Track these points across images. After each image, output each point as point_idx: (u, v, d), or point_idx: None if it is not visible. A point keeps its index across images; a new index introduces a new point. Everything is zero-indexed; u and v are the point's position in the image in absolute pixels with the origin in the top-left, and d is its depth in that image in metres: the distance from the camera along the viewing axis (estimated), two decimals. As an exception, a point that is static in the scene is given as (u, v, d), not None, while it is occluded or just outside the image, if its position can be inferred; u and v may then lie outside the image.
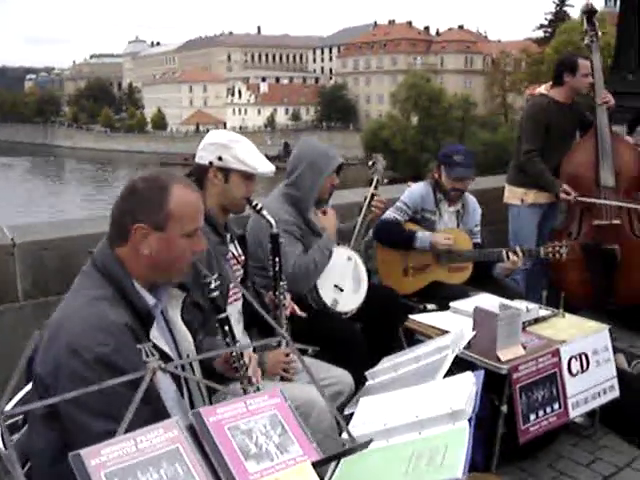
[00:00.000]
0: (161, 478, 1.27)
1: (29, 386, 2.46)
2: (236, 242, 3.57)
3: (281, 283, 3.51)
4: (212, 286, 2.44)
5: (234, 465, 1.34)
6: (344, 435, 1.77)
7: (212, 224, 3.30)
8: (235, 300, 3.45)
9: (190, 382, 2.42)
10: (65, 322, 2.14)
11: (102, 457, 1.25)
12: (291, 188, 4.17)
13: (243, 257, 3.59)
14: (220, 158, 3.28)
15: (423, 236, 4.85)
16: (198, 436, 1.35)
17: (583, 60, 5.70)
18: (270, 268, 3.51)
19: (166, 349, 2.36)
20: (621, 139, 6.00)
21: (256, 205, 3.50)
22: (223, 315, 2.50)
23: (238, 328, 3.18)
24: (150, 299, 2.32)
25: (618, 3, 13.13)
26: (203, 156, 3.33)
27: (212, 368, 2.71)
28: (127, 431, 1.31)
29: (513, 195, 5.99)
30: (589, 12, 6.02)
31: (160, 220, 2.26)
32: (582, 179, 5.67)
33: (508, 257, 4.80)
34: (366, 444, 1.56)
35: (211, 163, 3.30)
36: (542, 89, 5.96)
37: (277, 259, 3.48)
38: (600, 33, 5.88)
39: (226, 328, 2.51)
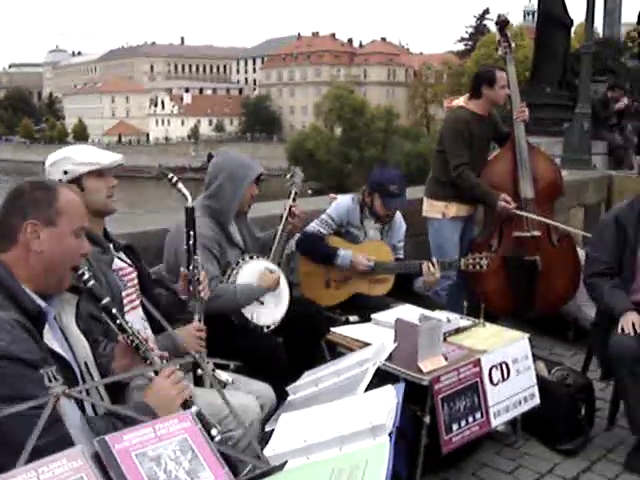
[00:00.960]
0: (64, 510, 1.20)
1: None
2: (122, 253, 3.49)
3: (195, 257, 3.43)
4: (86, 276, 2.40)
5: (142, 494, 1.29)
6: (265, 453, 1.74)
7: (88, 236, 3.23)
8: (133, 308, 3.36)
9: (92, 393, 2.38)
10: None
11: (0, 490, 1.18)
12: (211, 200, 4.11)
13: (134, 267, 3.50)
14: (65, 172, 3.23)
15: (345, 255, 4.81)
16: (104, 465, 1.30)
17: (500, 72, 5.72)
18: (184, 241, 3.43)
19: (63, 354, 2.33)
20: (537, 150, 6.11)
21: (172, 178, 3.49)
22: (105, 301, 2.44)
23: (147, 333, 3.07)
24: (41, 302, 2.30)
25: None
26: (50, 178, 3.27)
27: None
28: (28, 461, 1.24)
29: (433, 209, 5.93)
30: (501, 23, 6.09)
31: (51, 215, 2.31)
32: (502, 191, 5.69)
33: (421, 270, 4.82)
34: (281, 467, 1.53)
35: (60, 181, 3.22)
36: (460, 102, 5.95)
37: (192, 232, 3.40)
38: (514, 44, 5.96)
39: (114, 311, 2.45)
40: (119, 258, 3.39)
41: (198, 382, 3.20)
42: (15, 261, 2.28)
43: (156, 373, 2.41)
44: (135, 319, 3.25)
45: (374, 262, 4.84)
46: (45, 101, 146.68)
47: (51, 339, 2.31)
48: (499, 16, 6.16)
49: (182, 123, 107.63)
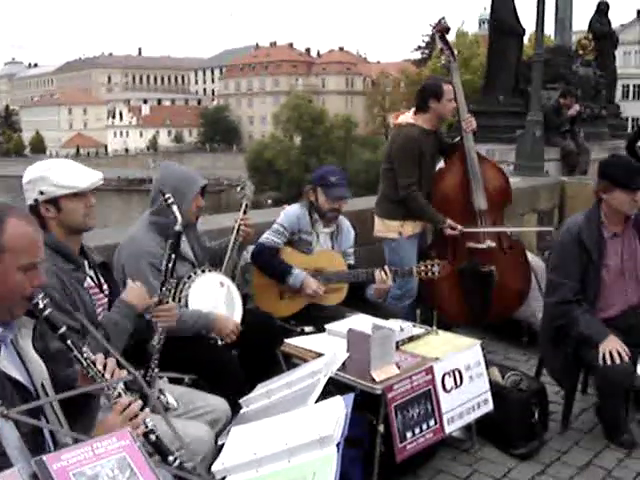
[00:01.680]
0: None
1: None
2: (97, 269, 3.47)
3: (171, 280, 3.47)
4: (41, 306, 2.35)
5: (77, 513, 1.30)
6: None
7: (61, 253, 3.22)
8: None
9: (48, 412, 2.35)
10: None
11: None
12: (157, 216, 4.09)
13: (106, 285, 3.49)
14: (42, 192, 3.18)
15: (297, 275, 4.81)
16: (41, 485, 1.30)
17: (447, 85, 5.65)
18: (164, 261, 3.46)
19: (18, 377, 2.29)
20: (485, 160, 6.11)
21: (168, 199, 3.60)
22: (61, 331, 2.41)
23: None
24: None
25: (489, 27, 13.71)
26: (27, 198, 3.24)
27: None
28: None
29: (388, 229, 5.83)
30: (442, 30, 5.99)
31: None
32: (455, 204, 5.71)
33: (373, 278, 4.84)
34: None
35: (37, 201, 3.20)
36: (408, 118, 5.82)
37: (173, 256, 3.44)
38: (456, 51, 5.91)
39: (68, 342, 2.43)
40: (91, 277, 3.37)
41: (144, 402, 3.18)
42: None
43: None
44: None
45: (324, 289, 4.87)
46: (1, 114, 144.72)
47: (6, 364, 2.27)
48: (439, 22, 6.03)
49: (141, 134, 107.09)
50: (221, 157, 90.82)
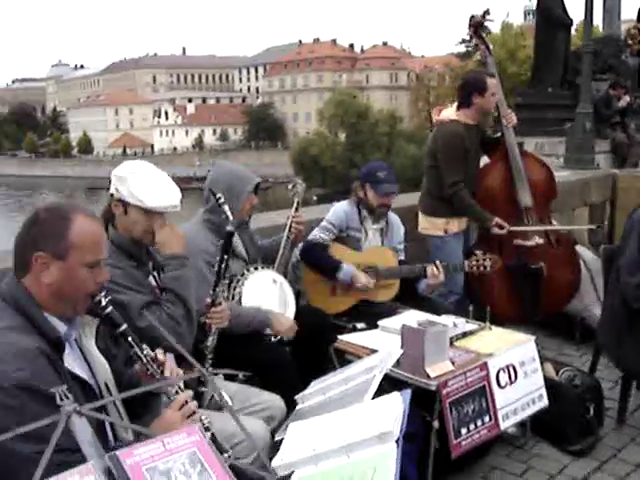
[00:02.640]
0: (76, 526, 1.24)
1: None
2: (160, 271, 3.50)
3: (224, 281, 3.51)
4: (103, 303, 2.40)
5: (153, 508, 1.33)
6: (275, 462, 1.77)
7: (125, 250, 3.26)
8: None
9: (112, 412, 2.40)
10: None
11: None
12: (211, 214, 4.12)
13: None
14: (117, 190, 3.23)
15: (347, 270, 4.80)
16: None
17: (491, 79, 5.58)
18: (216, 264, 3.50)
19: (83, 376, 2.36)
20: (529, 155, 6.05)
21: (219, 198, 3.62)
22: (122, 328, 2.46)
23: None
24: (61, 326, 2.32)
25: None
26: (110, 187, 3.31)
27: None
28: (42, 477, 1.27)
29: (433, 226, 5.81)
30: (475, 25, 5.94)
31: (61, 249, 2.27)
32: (500, 202, 5.68)
33: (425, 272, 4.84)
34: (287, 477, 1.56)
35: (112, 194, 3.27)
36: (450, 114, 5.76)
37: (225, 257, 3.47)
38: (491, 45, 5.83)
39: (129, 339, 2.47)
40: (154, 276, 3.41)
41: (199, 399, 3.21)
42: (33, 286, 2.29)
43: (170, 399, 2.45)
44: None
45: (374, 281, 4.86)
46: (49, 115, 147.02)
47: (71, 362, 2.33)
48: (472, 18, 5.94)
49: (186, 133, 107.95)
50: (266, 154, 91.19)
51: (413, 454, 3.59)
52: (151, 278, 3.37)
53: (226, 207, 3.64)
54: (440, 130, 5.81)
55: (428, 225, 5.85)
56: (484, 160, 6.03)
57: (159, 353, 2.55)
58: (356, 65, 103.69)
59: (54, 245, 2.27)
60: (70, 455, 1.99)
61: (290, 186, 4.77)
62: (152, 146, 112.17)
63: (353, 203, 5.03)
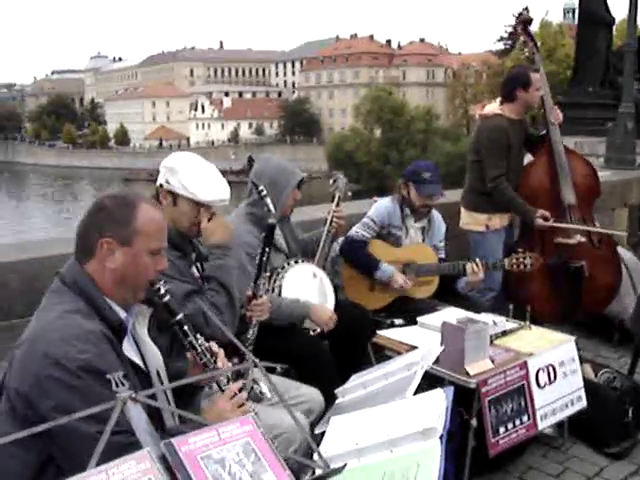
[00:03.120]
0: (135, 512, 1.25)
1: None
2: (202, 262, 3.53)
3: (265, 274, 3.52)
4: (162, 292, 2.44)
5: (208, 496, 1.34)
6: (316, 457, 1.77)
7: (171, 240, 3.29)
8: None
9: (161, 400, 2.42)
10: (40, 336, 2.16)
11: (74, 491, 1.23)
12: (253, 207, 4.14)
13: None
14: (167, 181, 3.26)
15: (385, 270, 4.81)
16: (171, 467, 1.34)
17: (535, 74, 5.56)
18: (257, 256, 3.51)
19: (139, 363, 2.40)
20: (573, 153, 5.99)
21: (261, 191, 3.61)
22: (178, 317, 2.48)
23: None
24: (121, 312, 2.36)
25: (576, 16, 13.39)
26: (159, 177, 3.34)
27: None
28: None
29: (475, 221, 5.82)
30: (524, 22, 5.91)
31: (127, 235, 2.32)
32: (543, 199, 5.61)
33: (464, 270, 4.82)
34: (340, 469, 1.56)
35: (161, 185, 3.29)
36: (494, 108, 5.77)
37: (266, 250, 3.47)
38: (540, 42, 5.80)
39: (185, 328, 2.50)
40: (196, 267, 3.44)
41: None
42: (96, 272, 2.33)
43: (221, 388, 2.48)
44: None
45: (411, 283, 4.87)
46: (87, 107, 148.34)
47: (129, 349, 2.38)
48: (520, 14, 5.95)
49: (222, 127, 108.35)
50: (301, 149, 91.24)
51: (450, 452, 3.58)
52: (194, 269, 3.40)
53: (268, 200, 3.65)
54: (483, 124, 5.83)
55: (470, 220, 5.84)
56: (528, 158, 5.99)
57: (213, 344, 2.59)
58: (393, 61, 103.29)
59: (120, 231, 2.31)
60: (130, 437, 2.04)
61: (331, 180, 4.77)
62: (188, 139, 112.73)
63: (396, 201, 5.03)
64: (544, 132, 5.76)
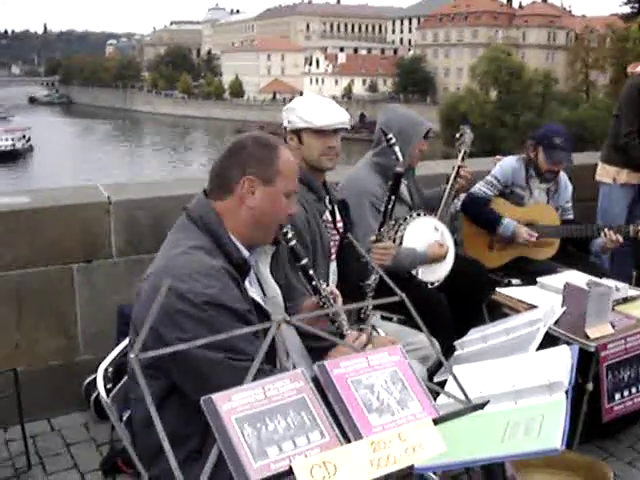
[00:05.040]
0: (288, 426, 1.31)
1: (126, 340, 2.58)
2: (335, 207, 3.60)
3: (389, 221, 3.57)
4: (289, 235, 2.49)
5: (357, 417, 1.38)
6: (440, 400, 1.81)
7: (306, 182, 3.37)
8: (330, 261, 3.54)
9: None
10: (166, 270, 2.22)
11: (233, 403, 1.29)
12: (380, 157, 4.15)
13: (342, 224, 3.61)
14: (289, 122, 3.37)
15: (508, 224, 4.75)
16: (322, 388, 1.40)
17: None
18: (383, 204, 3.54)
19: (260, 302, 2.45)
20: None
21: (390, 139, 3.64)
22: (303, 262, 2.54)
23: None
24: (244, 252, 2.40)
25: None
26: (283, 122, 3.45)
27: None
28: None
29: (606, 173, 5.85)
30: None
31: (270, 174, 2.36)
32: None
33: (599, 234, 4.71)
34: (482, 405, 1.59)
35: (285, 128, 3.41)
36: None
37: (392, 197, 3.49)
38: None
39: (310, 272, 2.56)
40: (330, 211, 3.52)
41: None
42: (227, 211, 2.38)
43: (342, 336, 2.54)
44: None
45: (537, 235, 4.78)
46: (203, 58, 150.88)
47: (251, 288, 2.43)
48: None
49: (336, 82, 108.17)
50: (414, 108, 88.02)
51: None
52: (327, 213, 3.47)
53: (397, 148, 3.65)
54: (630, 80, 5.86)
55: (601, 172, 5.93)
56: None
57: (334, 288, 2.65)
58: (513, 21, 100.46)
59: (264, 170, 2.36)
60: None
61: (458, 135, 4.71)
62: (301, 93, 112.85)
63: (522, 160, 4.95)
64: None
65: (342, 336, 2.55)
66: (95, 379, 2.64)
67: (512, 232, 4.75)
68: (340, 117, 3.37)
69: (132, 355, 1.32)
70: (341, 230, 3.60)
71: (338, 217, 3.62)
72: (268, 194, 2.36)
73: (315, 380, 1.39)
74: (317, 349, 2.62)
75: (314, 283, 2.55)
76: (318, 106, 3.39)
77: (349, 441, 1.35)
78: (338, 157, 3.45)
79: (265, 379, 1.35)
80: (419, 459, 1.37)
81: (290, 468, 1.25)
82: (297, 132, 3.37)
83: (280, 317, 1.42)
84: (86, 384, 4.30)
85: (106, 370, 2.63)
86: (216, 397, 1.29)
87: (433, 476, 2.86)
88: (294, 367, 2.37)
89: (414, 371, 1.49)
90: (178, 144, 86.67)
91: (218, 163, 2.44)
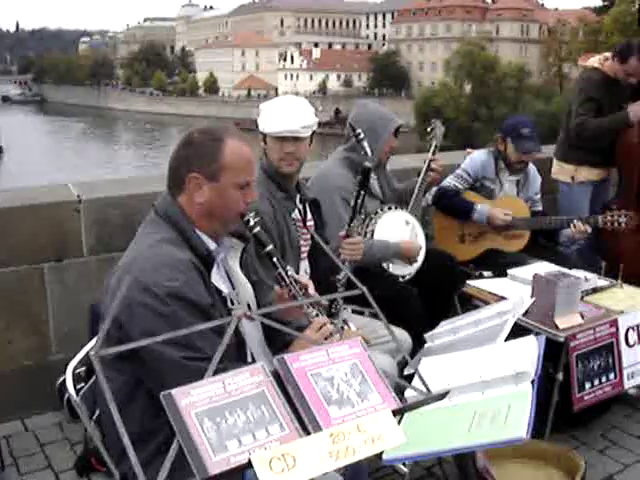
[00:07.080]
0: (248, 419, 1.32)
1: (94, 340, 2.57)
2: (306, 205, 3.61)
3: (359, 216, 3.57)
4: (251, 223, 2.48)
5: (317, 409, 1.39)
6: (408, 393, 1.82)
7: (275, 180, 3.39)
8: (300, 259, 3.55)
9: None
10: (133, 263, 2.25)
11: (192, 397, 1.30)
12: (350, 152, 4.17)
13: (312, 223, 3.62)
14: (256, 123, 3.42)
15: (482, 209, 4.80)
16: (282, 381, 1.41)
17: None
18: (352, 198, 3.55)
19: (226, 292, 2.46)
20: None
21: (359, 134, 3.67)
22: (268, 248, 2.54)
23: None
24: (211, 244, 2.42)
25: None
26: None
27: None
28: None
29: (562, 172, 5.82)
30: None
31: (214, 171, 2.35)
32: None
33: (569, 225, 4.74)
34: (442, 395, 1.60)
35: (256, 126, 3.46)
36: (596, 62, 5.63)
37: (362, 192, 3.50)
38: None
39: (274, 260, 2.56)
40: (299, 210, 3.53)
41: None
42: (187, 205, 2.40)
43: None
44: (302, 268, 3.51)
45: (512, 216, 4.83)
46: (178, 55, 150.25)
47: (218, 279, 2.45)
48: None
49: (310, 78, 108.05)
50: (389, 103, 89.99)
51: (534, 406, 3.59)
52: (296, 212, 3.49)
53: (365, 143, 3.67)
54: (579, 76, 5.93)
55: (558, 170, 5.90)
56: None
57: (302, 276, 2.64)
58: (486, 15, 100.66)
59: (207, 167, 2.35)
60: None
61: (429, 128, 4.73)
62: (276, 89, 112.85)
63: (491, 153, 4.99)
64: None
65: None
66: (69, 378, 2.63)
67: (487, 216, 4.80)
68: (292, 125, 3.33)
69: (92, 352, 1.32)
70: (312, 229, 3.60)
71: (309, 216, 3.63)
72: (215, 189, 2.36)
73: (275, 374, 1.41)
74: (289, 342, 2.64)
75: (278, 271, 2.55)
76: (276, 111, 3.39)
77: (309, 433, 1.36)
78: (299, 162, 3.45)
79: (225, 374, 1.35)
80: (378, 450, 1.38)
81: (249, 461, 1.26)
82: (263, 134, 3.41)
83: (240, 312, 1.42)
84: (59, 384, 4.26)
85: (76, 369, 2.62)
86: (175, 392, 1.30)
87: (403, 467, 2.89)
88: (254, 361, 2.38)
89: (374, 363, 1.50)
90: (153, 141, 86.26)
91: (171, 160, 2.46)
